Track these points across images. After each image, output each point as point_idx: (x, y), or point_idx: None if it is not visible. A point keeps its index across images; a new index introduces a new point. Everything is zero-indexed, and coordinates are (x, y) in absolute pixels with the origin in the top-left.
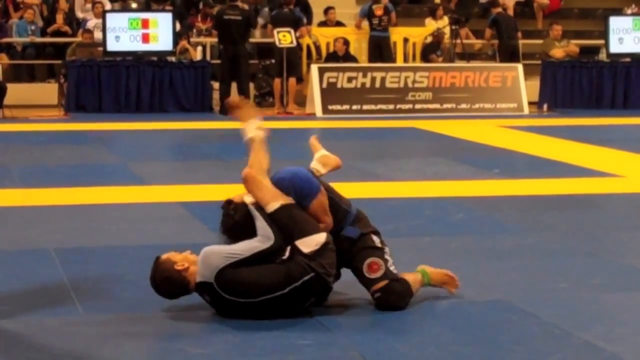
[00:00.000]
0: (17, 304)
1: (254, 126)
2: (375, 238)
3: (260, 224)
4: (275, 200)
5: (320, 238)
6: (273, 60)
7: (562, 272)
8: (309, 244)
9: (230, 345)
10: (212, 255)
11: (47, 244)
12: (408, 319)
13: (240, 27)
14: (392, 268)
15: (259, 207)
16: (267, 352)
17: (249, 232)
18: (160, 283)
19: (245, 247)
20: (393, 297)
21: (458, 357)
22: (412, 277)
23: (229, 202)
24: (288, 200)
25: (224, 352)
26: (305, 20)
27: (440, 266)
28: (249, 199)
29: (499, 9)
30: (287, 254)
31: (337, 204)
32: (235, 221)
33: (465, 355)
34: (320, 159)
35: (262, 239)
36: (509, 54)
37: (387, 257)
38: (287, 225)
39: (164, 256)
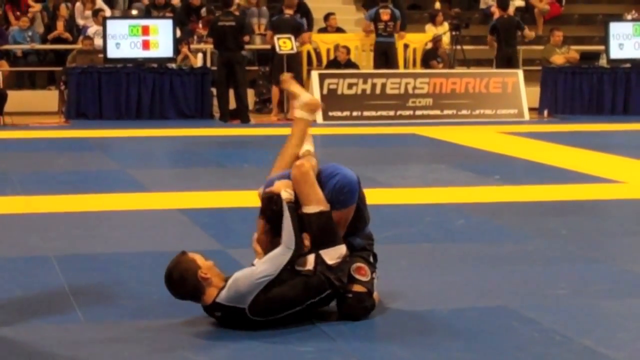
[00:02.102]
0: (18, 311)
1: (300, 103)
2: (371, 258)
3: (287, 225)
4: (317, 204)
5: (342, 250)
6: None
7: (563, 278)
8: (333, 255)
9: (231, 352)
10: (245, 280)
11: (48, 251)
12: (409, 325)
13: (235, 33)
14: (374, 284)
15: (291, 206)
16: (268, 359)
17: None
18: (176, 279)
19: (272, 265)
20: (360, 307)
21: None
22: (375, 294)
23: (270, 197)
24: (327, 207)
25: (225, 359)
26: (305, 27)
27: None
28: (285, 195)
29: (502, 13)
30: (312, 265)
31: (362, 214)
32: (276, 211)
33: None
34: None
35: (284, 248)
36: (505, 62)
37: (374, 275)
38: (319, 232)
39: (191, 255)
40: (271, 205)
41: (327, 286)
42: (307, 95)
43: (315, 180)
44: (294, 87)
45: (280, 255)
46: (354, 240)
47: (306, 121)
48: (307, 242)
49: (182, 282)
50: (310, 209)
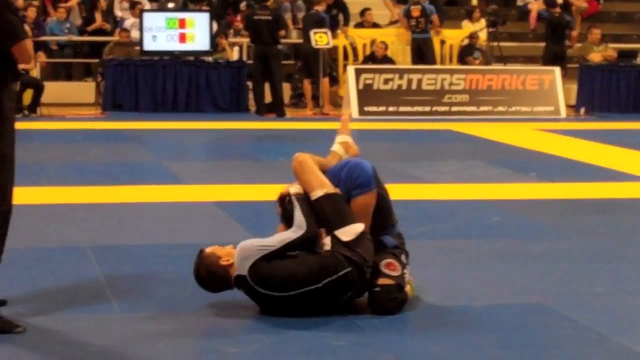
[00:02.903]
0: (53, 301)
1: (339, 140)
2: (403, 256)
3: (297, 213)
4: (321, 188)
5: (358, 227)
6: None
7: (600, 276)
8: (348, 233)
9: (265, 344)
10: (246, 247)
11: (84, 242)
12: (443, 321)
13: (271, 27)
14: (404, 279)
15: (300, 197)
16: (301, 353)
17: None
18: (206, 276)
19: (277, 239)
20: (389, 299)
21: None
22: (407, 289)
23: (282, 198)
24: (333, 189)
25: (258, 352)
26: (327, 21)
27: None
28: (293, 190)
29: (554, 9)
30: (328, 245)
31: (390, 210)
32: (290, 209)
33: (500, 358)
34: (343, 144)
35: (295, 229)
36: (551, 59)
37: (406, 271)
38: (328, 214)
39: (209, 250)
40: (284, 205)
41: (345, 264)
42: (350, 138)
43: (315, 167)
44: (346, 124)
45: (287, 232)
46: (385, 239)
47: (340, 156)
48: (365, 222)
49: (211, 276)
50: (315, 194)
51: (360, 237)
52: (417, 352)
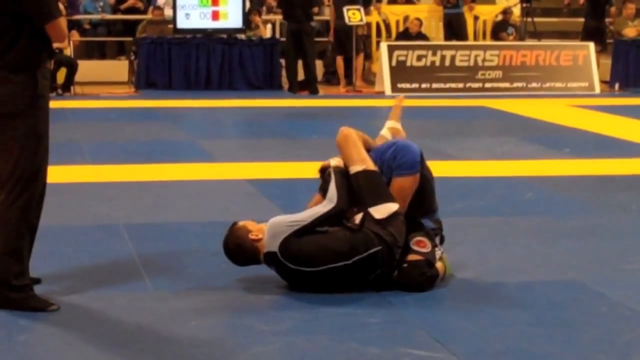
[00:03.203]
0: (87, 279)
1: (388, 125)
2: (438, 239)
3: (331, 186)
4: (361, 163)
5: (392, 207)
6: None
7: (633, 252)
8: (382, 211)
9: (297, 322)
10: (276, 224)
11: (117, 219)
12: (476, 298)
13: (304, 4)
14: (435, 255)
15: (338, 171)
16: (334, 330)
17: None
18: (233, 248)
19: (307, 214)
20: (417, 274)
21: (525, 337)
22: (439, 265)
23: (323, 169)
24: (373, 167)
25: (291, 329)
26: None
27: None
28: (333, 162)
29: None
30: (358, 221)
31: (434, 195)
32: (328, 180)
33: (533, 335)
34: (392, 130)
35: (326, 202)
36: (589, 34)
37: (438, 250)
38: (364, 190)
39: (241, 223)
40: (324, 176)
41: (375, 242)
42: (399, 125)
43: (359, 143)
44: (397, 110)
45: (318, 207)
46: (424, 222)
47: (385, 139)
48: (402, 205)
49: (239, 249)
50: (354, 168)
51: (393, 216)
52: (450, 329)
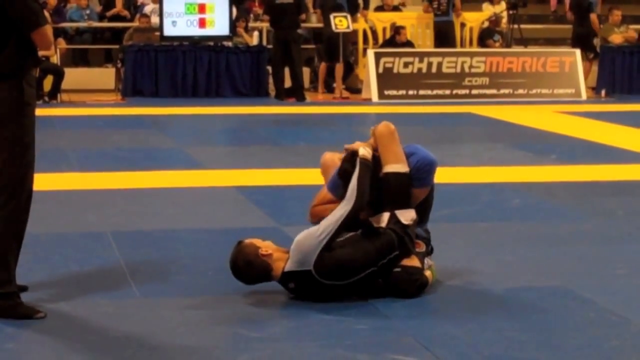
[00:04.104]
0: (74, 286)
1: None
2: (429, 248)
3: (353, 180)
4: (402, 163)
5: (414, 214)
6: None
7: (620, 258)
8: (407, 217)
9: (285, 328)
10: (306, 240)
11: (104, 227)
12: (464, 304)
13: (292, 11)
14: (425, 264)
15: (364, 163)
16: (323, 337)
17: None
18: (243, 266)
19: (331, 220)
20: (410, 280)
21: (514, 343)
22: (427, 274)
23: (349, 154)
24: (408, 170)
25: (280, 336)
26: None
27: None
28: (362, 151)
29: None
30: (385, 223)
31: (431, 207)
32: (350, 169)
33: (522, 341)
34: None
35: (345, 202)
36: (576, 41)
37: (427, 260)
38: (397, 191)
39: (247, 241)
40: (345, 162)
41: (395, 246)
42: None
43: (398, 141)
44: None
45: (338, 210)
46: (418, 231)
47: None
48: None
49: (249, 266)
50: (394, 167)
51: (414, 223)
52: (438, 336)
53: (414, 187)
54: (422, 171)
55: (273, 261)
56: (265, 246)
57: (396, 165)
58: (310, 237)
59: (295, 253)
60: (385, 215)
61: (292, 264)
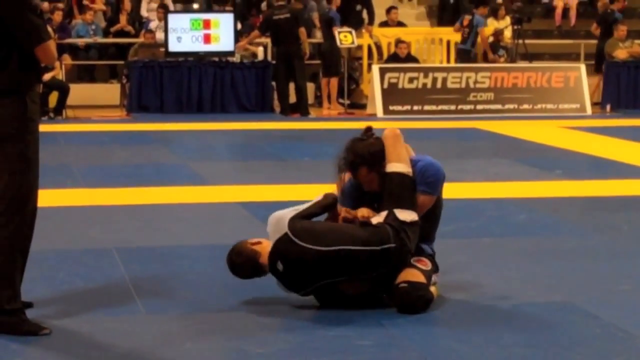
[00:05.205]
0: (79, 302)
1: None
2: (434, 267)
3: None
4: (405, 164)
5: (415, 216)
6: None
7: (625, 274)
8: (406, 215)
9: (290, 345)
10: (278, 213)
11: (109, 243)
12: (468, 319)
13: (290, 25)
14: (431, 277)
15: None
16: (327, 353)
17: (381, 160)
18: (235, 258)
19: (310, 202)
20: (417, 295)
21: (518, 358)
22: (432, 289)
23: (369, 129)
24: (411, 173)
25: (284, 353)
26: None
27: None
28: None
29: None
30: (382, 218)
31: (438, 223)
32: (372, 143)
33: (526, 356)
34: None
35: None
36: (600, 57)
37: (434, 277)
38: (397, 190)
39: (241, 241)
40: (365, 143)
41: (391, 239)
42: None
43: (403, 144)
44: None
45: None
46: (425, 247)
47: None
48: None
49: (239, 255)
50: (396, 167)
51: (414, 223)
52: (443, 352)
53: (419, 192)
54: (427, 175)
55: (262, 248)
56: (255, 239)
57: (398, 165)
58: (283, 210)
59: (272, 227)
60: (383, 213)
61: (272, 239)
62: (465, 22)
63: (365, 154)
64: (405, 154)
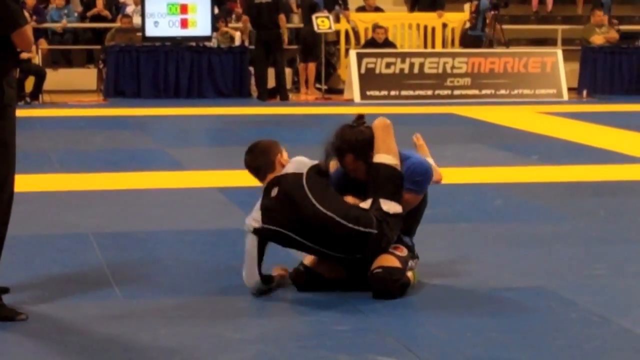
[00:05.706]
0: (56, 288)
1: None
2: (412, 255)
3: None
4: (394, 157)
5: (399, 209)
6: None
7: (601, 258)
8: (390, 206)
9: (267, 329)
10: (304, 158)
11: (86, 228)
12: (445, 304)
13: (271, 11)
14: (408, 263)
15: None
16: (304, 338)
17: (368, 149)
18: (257, 150)
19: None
20: (391, 280)
21: (495, 344)
22: (409, 274)
23: (361, 116)
24: (399, 166)
25: (260, 337)
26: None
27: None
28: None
29: None
30: (367, 205)
31: (420, 217)
32: (362, 131)
33: (503, 341)
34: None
35: None
36: None
37: (412, 262)
38: (384, 181)
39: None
40: (357, 130)
41: (374, 225)
42: (433, 161)
43: (393, 138)
44: (424, 148)
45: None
46: (404, 239)
47: None
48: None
49: (262, 154)
50: (385, 158)
51: (398, 215)
52: (420, 336)
53: (405, 190)
54: (415, 174)
55: (280, 168)
56: (285, 160)
57: (386, 157)
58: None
59: (295, 163)
60: (369, 201)
61: (288, 170)
62: (473, 8)
63: (352, 141)
64: (394, 147)
